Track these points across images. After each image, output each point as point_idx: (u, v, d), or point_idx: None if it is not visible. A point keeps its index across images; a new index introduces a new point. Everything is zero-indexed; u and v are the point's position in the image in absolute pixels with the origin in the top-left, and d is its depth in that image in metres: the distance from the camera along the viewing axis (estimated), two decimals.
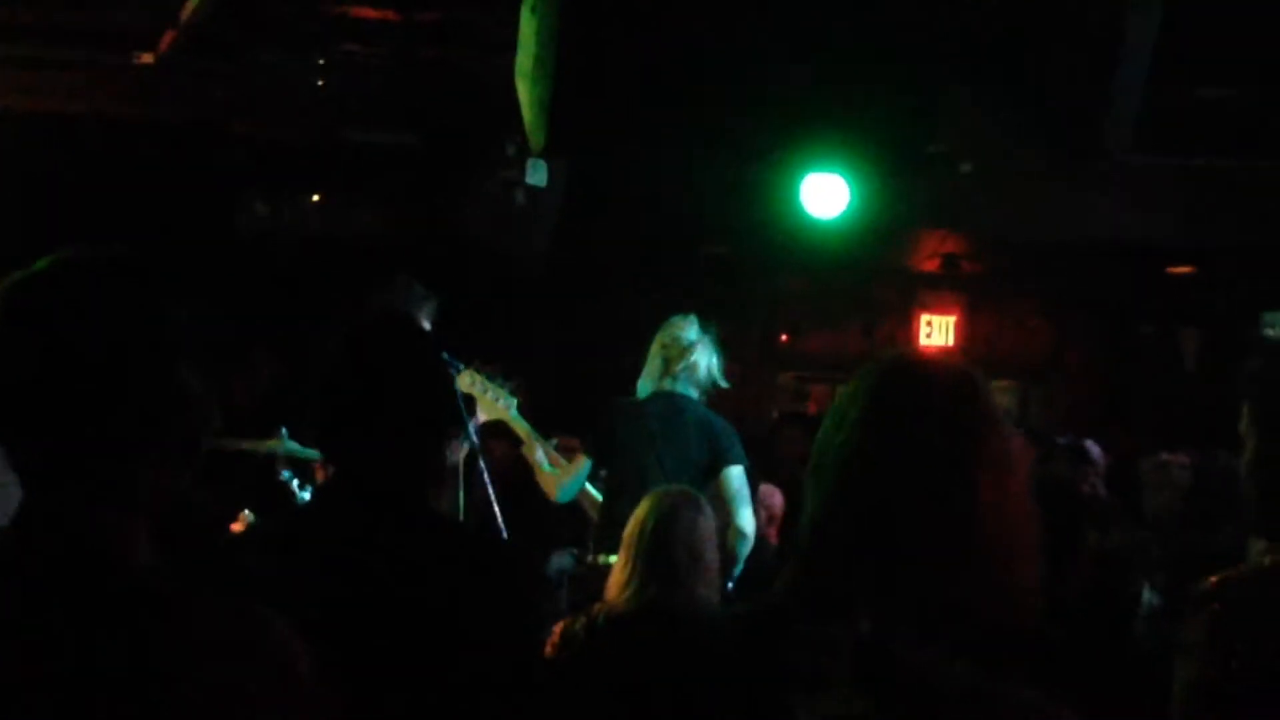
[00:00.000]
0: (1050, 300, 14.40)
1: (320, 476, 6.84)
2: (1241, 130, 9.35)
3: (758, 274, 13.43)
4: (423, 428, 3.14)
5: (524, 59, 6.10)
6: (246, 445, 6.84)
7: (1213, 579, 2.97)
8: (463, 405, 6.88)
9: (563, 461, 7.10)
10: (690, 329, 6.86)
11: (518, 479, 7.21)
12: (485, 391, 6.98)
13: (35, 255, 2.10)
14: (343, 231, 10.44)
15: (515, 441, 7.32)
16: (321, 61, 8.41)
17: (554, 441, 7.27)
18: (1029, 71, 6.29)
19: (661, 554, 5.10)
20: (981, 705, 1.51)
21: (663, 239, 11.98)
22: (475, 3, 7.81)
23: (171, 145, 9.60)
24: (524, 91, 6.21)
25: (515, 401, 7.07)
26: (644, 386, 6.91)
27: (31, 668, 1.90)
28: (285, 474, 6.77)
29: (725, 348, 7.00)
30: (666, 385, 6.82)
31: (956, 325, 14.64)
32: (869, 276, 13.76)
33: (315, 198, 10.27)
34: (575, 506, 7.24)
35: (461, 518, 6.64)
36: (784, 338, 14.65)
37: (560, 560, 7.69)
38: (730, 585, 6.31)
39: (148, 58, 8.35)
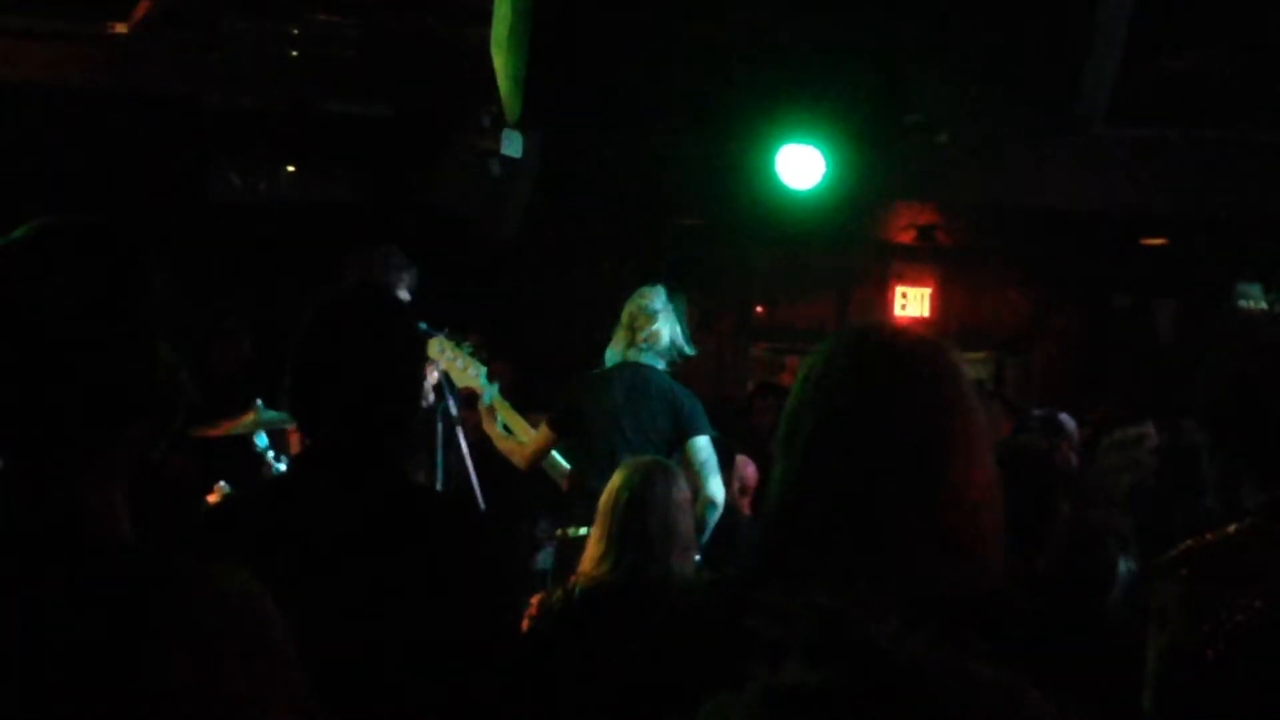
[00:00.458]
0: (1025, 272, 14.42)
1: (293, 441, 6.84)
2: (1217, 102, 9.37)
3: (733, 245, 13.43)
4: (396, 397, 3.14)
5: (499, 29, 6.08)
6: (225, 429, 6.83)
7: (1180, 546, 3.00)
8: (444, 377, 6.90)
9: (523, 423, 7.14)
10: (655, 299, 6.89)
11: (493, 449, 7.21)
12: (454, 359, 6.99)
13: (7, 225, 2.09)
14: (317, 202, 10.41)
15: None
16: (296, 31, 8.37)
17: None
18: (1004, 42, 6.28)
19: (635, 525, 5.11)
20: (941, 678, 1.51)
21: (638, 210, 11.98)
22: None
23: (145, 115, 9.57)
24: (499, 62, 6.18)
25: (484, 369, 7.08)
26: (610, 356, 6.94)
27: (11, 639, 1.90)
28: (260, 444, 6.76)
29: (700, 319, 7.01)
30: (631, 355, 6.86)
31: (931, 296, 14.66)
32: (844, 248, 13.76)
33: (290, 168, 10.24)
34: (547, 477, 7.25)
35: (439, 487, 6.66)
36: (759, 309, 14.66)
37: (546, 558, 7.68)
38: (698, 556, 6.32)
39: (121, 27, 8.31)
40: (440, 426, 6.89)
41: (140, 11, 8.18)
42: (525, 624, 5.12)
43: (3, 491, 2.00)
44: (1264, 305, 13.59)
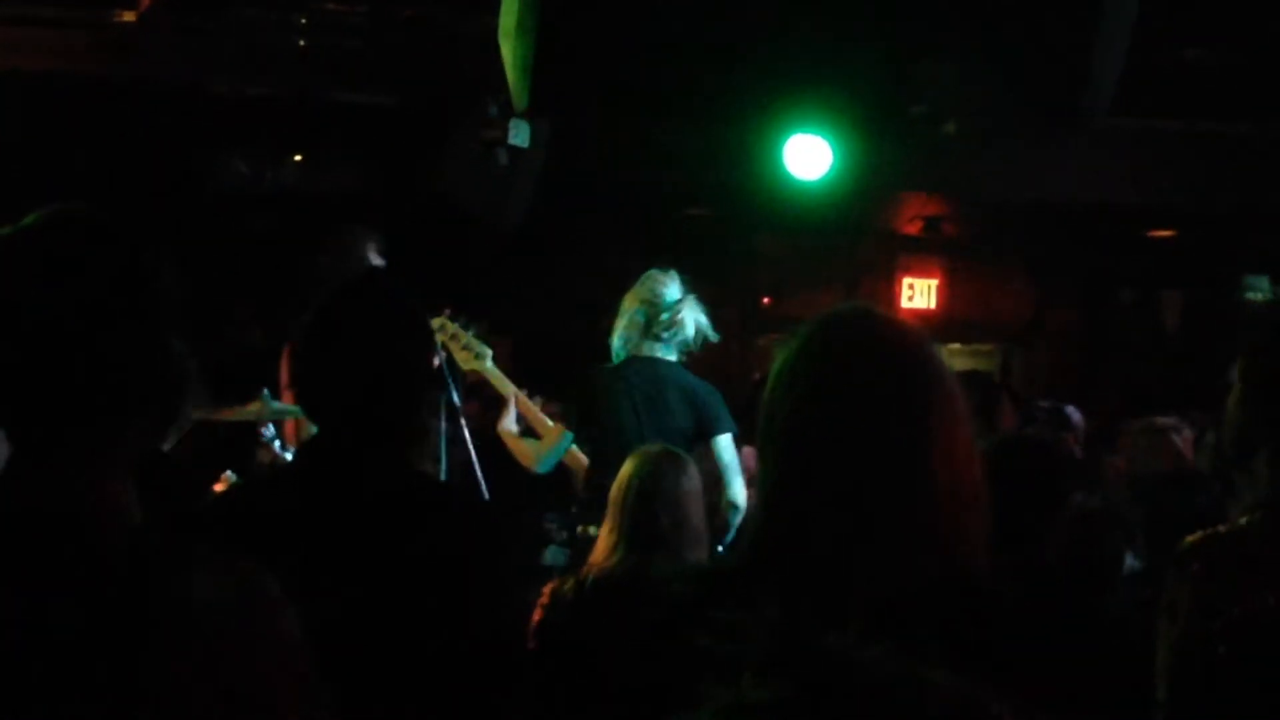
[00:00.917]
0: (1031, 264, 14.41)
1: (289, 432, 6.82)
2: (1223, 94, 9.36)
3: (740, 236, 13.42)
4: (401, 387, 3.14)
5: (507, 19, 6.08)
6: (231, 416, 6.82)
7: (1192, 539, 2.99)
8: (447, 368, 6.84)
9: (544, 420, 7.00)
10: (673, 286, 6.60)
11: (497, 439, 7.17)
12: (457, 341, 6.86)
13: (13, 214, 2.09)
14: (324, 191, 10.41)
15: (487, 403, 7.25)
16: (303, 21, 8.37)
17: (537, 398, 7.18)
18: (1012, 34, 6.28)
19: (645, 516, 5.09)
20: (899, 689, 1.50)
21: (645, 200, 11.96)
22: None
23: (152, 104, 9.56)
24: (507, 51, 6.19)
25: (490, 352, 6.95)
26: (619, 345, 6.68)
27: (22, 628, 1.90)
28: (268, 434, 6.76)
29: (706, 308, 6.88)
30: (646, 348, 6.58)
31: (938, 288, 14.66)
32: (851, 239, 13.76)
33: (296, 157, 10.24)
34: (559, 466, 7.18)
35: (444, 478, 6.63)
36: (766, 300, 14.65)
37: (555, 554, 7.65)
38: (720, 548, 6.27)
39: (129, 16, 8.31)
40: (444, 416, 6.85)
41: (147, 0, 8.18)
42: (537, 614, 5.11)
43: (11, 480, 2.01)
44: (1270, 297, 13.58)
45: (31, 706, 1.89)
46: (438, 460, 6.64)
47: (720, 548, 6.25)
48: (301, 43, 8.48)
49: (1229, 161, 10.54)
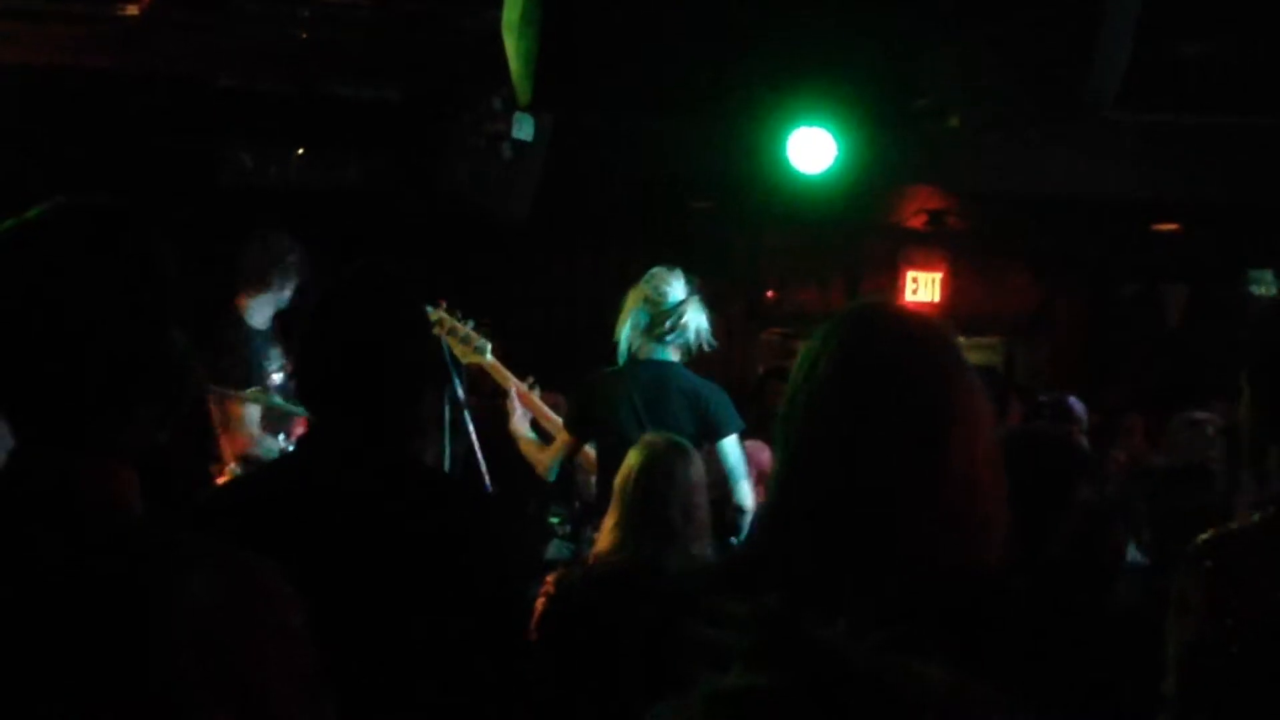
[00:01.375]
0: (1035, 257, 14.39)
1: (300, 431, 6.83)
2: (1228, 87, 9.34)
3: (743, 229, 13.41)
4: (399, 379, 3.14)
5: (511, 12, 6.06)
6: (232, 394, 6.82)
7: (1203, 537, 2.98)
8: (450, 358, 6.82)
9: (549, 413, 7.00)
10: (677, 285, 6.60)
11: (497, 431, 7.16)
12: (455, 333, 6.83)
13: (19, 206, 2.09)
14: (328, 185, 10.40)
15: (488, 396, 7.24)
16: (306, 14, 8.36)
17: (535, 385, 7.14)
18: (1017, 27, 6.27)
19: (650, 507, 5.09)
20: (889, 680, 1.50)
21: (649, 194, 11.95)
22: None
23: (155, 98, 9.55)
24: (511, 45, 6.16)
25: (489, 344, 6.93)
26: (625, 342, 6.65)
27: (25, 616, 1.90)
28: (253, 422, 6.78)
29: (711, 303, 6.85)
30: (649, 349, 6.58)
31: (942, 282, 14.64)
32: (855, 232, 13.73)
33: (300, 151, 10.23)
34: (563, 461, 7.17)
35: (447, 470, 6.62)
36: (770, 293, 14.63)
37: (558, 548, 7.64)
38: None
39: (133, 9, 8.30)
40: (447, 410, 6.83)
41: None
42: (541, 603, 5.11)
43: (14, 471, 2.01)
44: (1275, 291, 13.57)
45: (32, 701, 1.89)
46: (441, 452, 6.63)
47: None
48: (304, 37, 8.47)
49: (1233, 155, 10.53)
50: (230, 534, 2.21)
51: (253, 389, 6.79)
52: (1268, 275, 13.61)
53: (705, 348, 6.66)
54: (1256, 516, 3.00)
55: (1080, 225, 13.19)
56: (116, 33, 8.57)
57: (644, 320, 6.60)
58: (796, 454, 2.27)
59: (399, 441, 3.13)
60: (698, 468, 5.27)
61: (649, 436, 5.43)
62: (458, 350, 6.83)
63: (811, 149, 8.66)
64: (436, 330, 6.66)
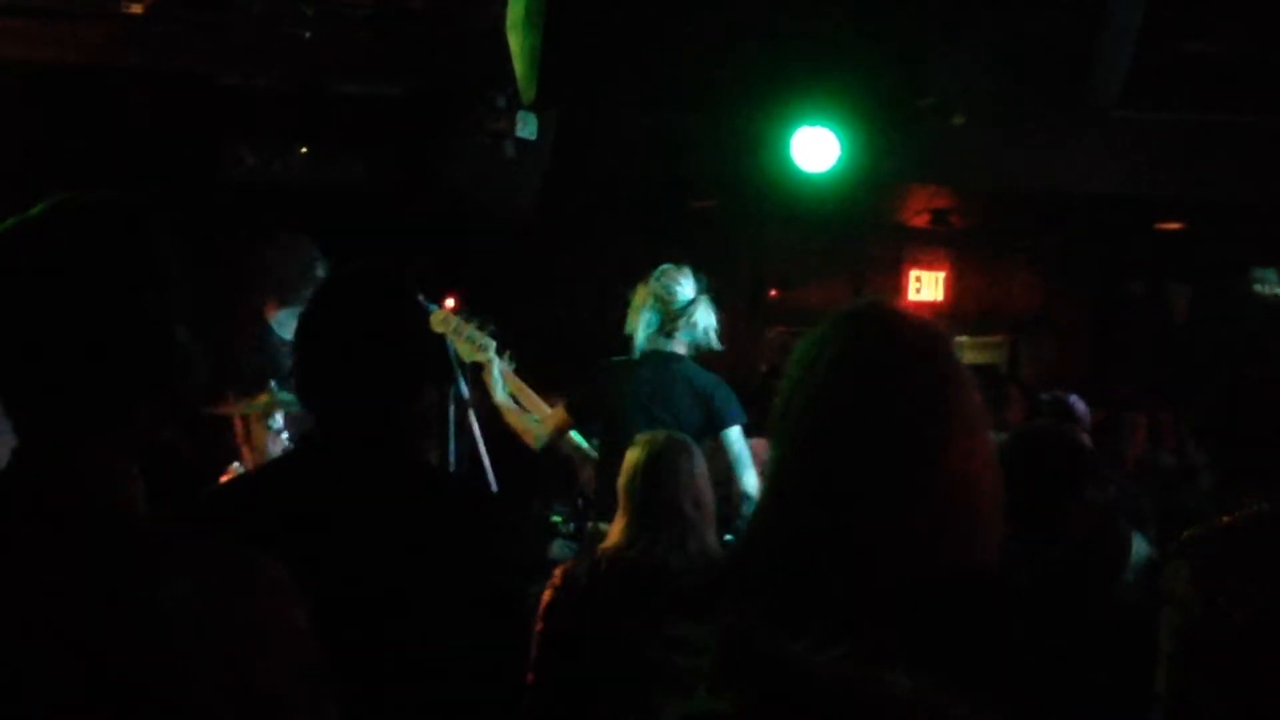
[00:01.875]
0: (1040, 255, 14.40)
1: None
2: (1232, 85, 9.33)
3: (747, 228, 13.42)
4: (398, 377, 3.13)
5: (515, 11, 6.07)
6: (243, 408, 6.82)
7: (1189, 533, 2.99)
8: (454, 357, 6.83)
9: (533, 396, 7.03)
10: (687, 284, 6.66)
11: (505, 430, 7.17)
12: (460, 332, 6.86)
13: (21, 202, 2.09)
14: (330, 182, 10.40)
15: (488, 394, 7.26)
16: (310, 12, 8.36)
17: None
18: (1021, 25, 6.27)
19: (656, 502, 5.10)
20: (857, 693, 1.49)
21: (652, 192, 11.95)
22: None
23: (158, 94, 9.56)
24: (515, 43, 6.17)
25: (493, 344, 6.97)
26: (637, 340, 6.74)
27: (34, 614, 1.90)
28: (275, 425, 6.75)
29: (714, 301, 6.90)
30: (660, 344, 6.67)
31: (946, 280, 14.65)
32: (859, 231, 13.75)
33: (303, 149, 10.23)
34: (564, 458, 7.19)
35: (452, 469, 6.63)
36: (773, 292, 14.65)
37: (561, 548, 7.65)
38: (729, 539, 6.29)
39: (137, 8, 8.30)
40: (452, 408, 6.84)
41: None
42: (547, 595, 5.11)
43: (19, 464, 2.01)
44: (1279, 290, 13.57)
45: (33, 701, 1.88)
46: (445, 451, 6.64)
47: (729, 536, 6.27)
48: (308, 35, 8.47)
49: (1238, 153, 10.51)
50: (232, 532, 2.21)
51: (263, 397, 6.76)
52: (1272, 274, 13.61)
53: (713, 347, 6.72)
54: (1244, 513, 3.01)
55: (1084, 224, 13.20)
56: (120, 30, 8.58)
57: (654, 318, 6.68)
58: (790, 454, 2.27)
59: (399, 439, 3.12)
60: (700, 459, 5.30)
61: (646, 435, 5.44)
62: (464, 350, 6.85)
63: (815, 148, 8.66)
64: (443, 330, 6.69)
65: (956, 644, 1.96)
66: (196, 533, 2.05)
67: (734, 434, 6.58)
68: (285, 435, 6.74)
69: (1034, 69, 6.43)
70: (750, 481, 6.53)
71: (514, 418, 6.95)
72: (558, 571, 5.20)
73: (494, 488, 6.50)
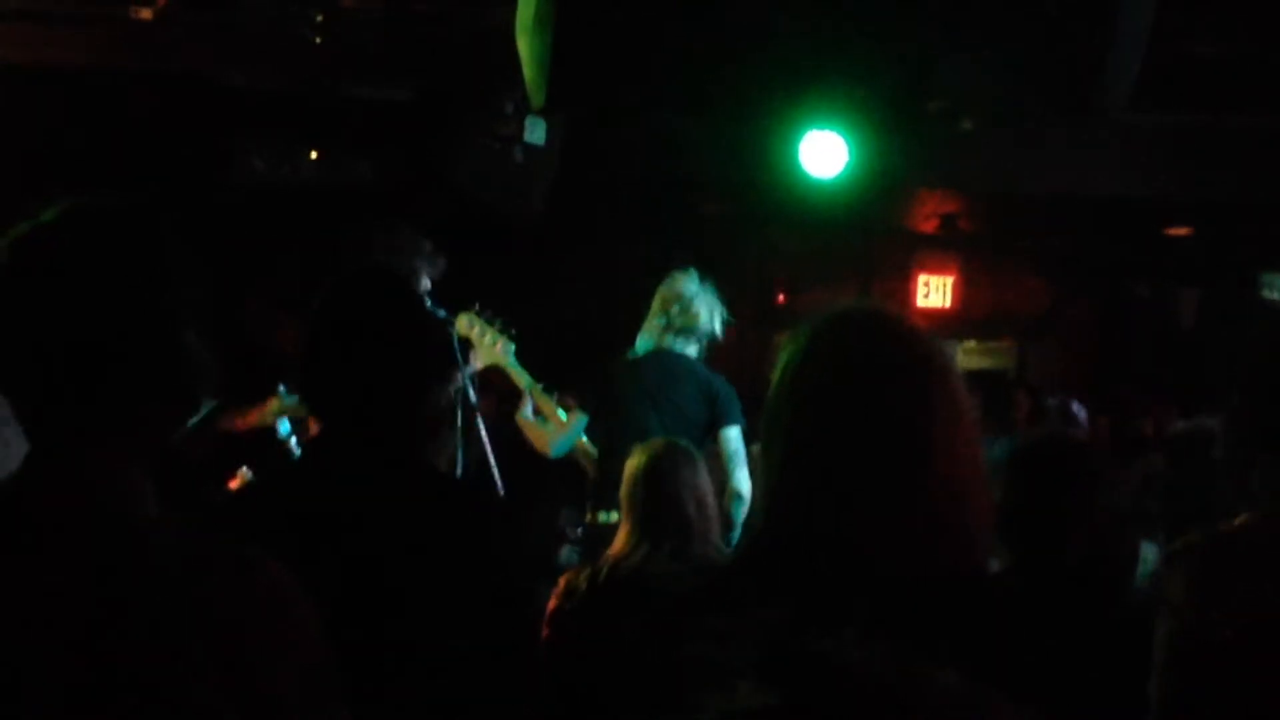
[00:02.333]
0: (1048, 260, 14.39)
1: (313, 428, 6.83)
2: (1242, 89, 9.32)
3: (755, 232, 13.42)
4: (405, 380, 3.13)
5: (524, 14, 6.06)
6: (253, 419, 6.82)
7: (1187, 539, 2.99)
8: (460, 359, 6.86)
9: (559, 414, 7.06)
10: (690, 282, 6.81)
11: (512, 434, 7.19)
12: (484, 335, 6.92)
13: (30, 208, 2.10)
14: (340, 186, 10.41)
15: (503, 397, 7.28)
16: (319, 16, 8.37)
17: (555, 394, 7.21)
18: (1029, 29, 6.26)
19: (659, 508, 5.11)
20: (898, 693, 1.49)
21: (661, 197, 11.95)
22: None
23: (168, 98, 9.57)
24: (523, 48, 6.16)
25: (513, 346, 7.01)
26: (643, 342, 6.86)
27: (42, 617, 1.91)
28: (283, 431, 6.76)
29: (722, 298, 6.97)
30: (666, 342, 6.76)
31: (954, 285, 14.64)
32: (867, 236, 13.74)
33: (313, 152, 10.24)
34: (572, 462, 7.21)
35: (459, 473, 6.64)
36: (781, 297, 14.64)
37: (570, 555, 7.65)
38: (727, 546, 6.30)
39: (146, 12, 8.32)
40: (460, 412, 6.86)
41: None
42: (552, 603, 5.11)
43: (30, 470, 2.01)
44: None
45: (39, 702, 1.89)
46: (453, 455, 6.66)
47: (726, 542, 6.29)
48: (317, 38, 8.48)
49: (1246, 157, 10.50)
50: (239, 536, 2.21)
51: (272, 401, 6.77)
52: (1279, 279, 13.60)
53: (716, 337, 6.80)
54: (1244, 518, 3.00)
55: (1092, 228, 13.19)
56: (129, 33, 8.59)
57: (660, 318, 6.80)
58: (779, 458, 2.28)
59: (405, 443, 3.12)
60: (700, 464, 5.32)
61: (645, 442, 5.45)
62: (483, 352, 6.89)
63: (823, 152, 8.66)
64: (467, 333, 6.75)
65: (966, 645, 1.97)
66: (204, 537, 2.05)
67: (732, 433, 6.67)
68: (294, 440, 6.75)
69: (1042, 73, 6.42)
70: (742, 480, 6.60)
71: (530, 429, 7.02)
72: (562, 580, 5.21)
73: (501, 492, 6.52)
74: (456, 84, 8.99)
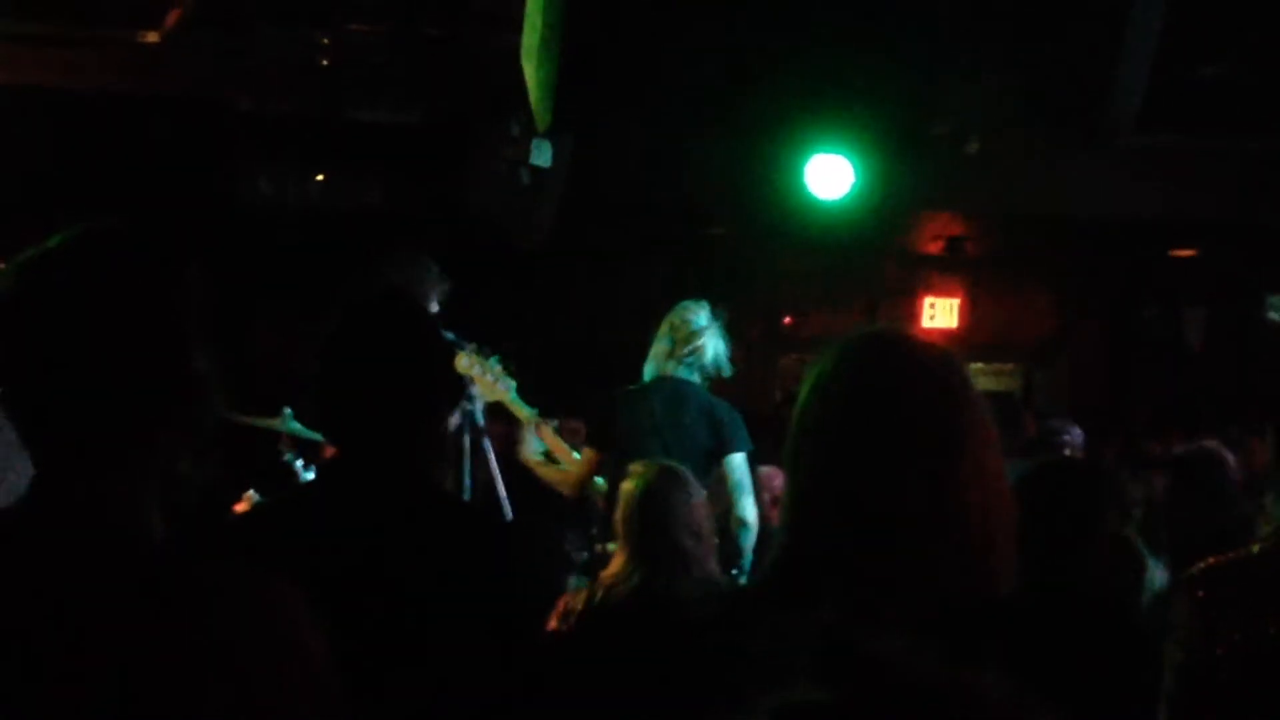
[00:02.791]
0: (1054, 282, 14.39)
1: (329, 455, 6.83)
2: (1246, 111, 9.33)
3: (762, 255, 13.41)
4: (420, 405, 3.14)
5: (530, 38, 6.08)
6: (251, 421, 6.82)
7: (1199, 565, 2.98)
8: (468, 385, 6.87)
9: (564, 447, 7.07)
10: (700, 314, 6.79)
11: (517, 459, 7.18)
12: (483, 373, 6.92)
13: (40, 232, 2.10)
14: (347, 208, 10.43)
15: (511, 421, 7.28)
16: (326, 40, 8.39)
17: (555, 422, 7.22)
18: (1035, 52, 6.28)
19: (652, 533, 5.10)
20: (953, 696, 1.49)
21: (667, 219, 11.97)
22: None
23: (176, 122, 9.60)
24: (530, 71, 6.18)
25: (514, 384, 7.01)
26: (649, 369, 6.86)
27: (50, 640, 1.91)
28: (289, 455, 6.76)
29: (729, 329, 6.97)
30: (670, 369, 6.75)
31: (960, 307, 14.63)
32: (873, 258, 13.74)
33: (320, 175, 10.26)
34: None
35: (467, 497, 6.64)
36: (787, 319, 14.64)
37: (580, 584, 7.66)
38: (737, 573, 6.29)
39: (153, 36, 8.34)
40: (467, 436, 6.86)
41: (172, 20, 8.21)
42: (551, 623, 5.11)
43: (38, 493, 2.01)
44: None
45: None
46: (461, 479, 6.66)
47: (735, 569, 6.29)
48: (325, 61, 8.51)
49: (1252, 179, 10.51)
50: (249, 558, 2.22)
51: (279, 417, 6.78)
52: None
53: (722, 374, 6.80)
54: (1256, 546, 2.99)
55: (1099, 249, 13.19)
56: (138, 57, 8.62)
57: (667, 345, 6.78)
58: (806, 482, 2.28)
59: (417, 467, 3.13)
60: (695, 489, 5.31)
61: (639, 466, 5.44)
62: (484, 389, 6.90)
63: (830, 175, 8.67)
64: (466, 371, 6.75)
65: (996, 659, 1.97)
66: (212, 560, 2.05)
67: (737, 460, 6.64)
68: (300, 463, 6.75)
69: (1048, 95, 6.43)
70: (747, 508, 6.58)
71: (545, 472, 7.02)
72: (560, 604, 5.21)
73: (509, 515, 6.51)
74: (463, 107, 9.01)
